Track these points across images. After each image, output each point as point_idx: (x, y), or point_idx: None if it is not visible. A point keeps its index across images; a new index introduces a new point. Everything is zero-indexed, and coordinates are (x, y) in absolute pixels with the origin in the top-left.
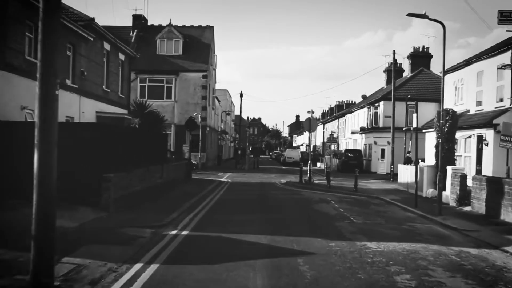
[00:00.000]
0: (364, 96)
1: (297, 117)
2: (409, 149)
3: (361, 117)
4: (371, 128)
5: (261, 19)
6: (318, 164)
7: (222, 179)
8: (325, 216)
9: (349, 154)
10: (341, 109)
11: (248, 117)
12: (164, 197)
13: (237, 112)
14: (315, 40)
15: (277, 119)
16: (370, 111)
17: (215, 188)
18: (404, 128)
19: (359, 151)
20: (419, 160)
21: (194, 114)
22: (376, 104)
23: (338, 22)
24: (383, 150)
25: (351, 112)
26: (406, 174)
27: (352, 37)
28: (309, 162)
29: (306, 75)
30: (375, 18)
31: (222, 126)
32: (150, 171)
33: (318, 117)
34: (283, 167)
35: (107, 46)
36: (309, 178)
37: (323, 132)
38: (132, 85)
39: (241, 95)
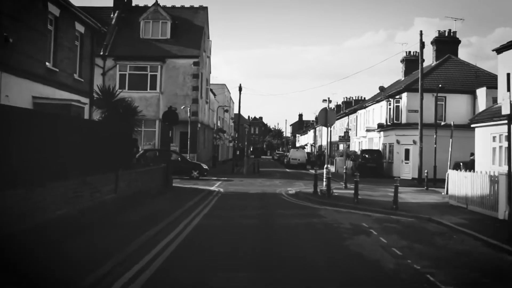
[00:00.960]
0: (381, 88)
1: (300, 116)
2: (471, 151)
3: (377, 113)
4: (392, 125)
5: (261, 18)
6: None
7: (213, 188)
8: (380, 274)
9: (366, 156)
10: (349, 106)
11: (249, 117)
12: (102, 228)
13: (236, 110)
14: (315, 40)
15: (279, 119)
16: (390, 105)
17: (198, 203)
18: (442, 123)
19: (378, 151)
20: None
21: (182, 107)
22: (398, 97)
23: (339, 22)
24: (407, 151)
25: (364, 107)
26: (464, 184)
27: (353, 37)
28: (326, 166)
29: (306, 75)
30: (376, 18)
31: (219, 124)
32: (89, 184)
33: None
34: (287, 170)
35: (54, 9)
36: (327, 189)
37: (330, 131)
38: (111, 73)
39: (240, 88)
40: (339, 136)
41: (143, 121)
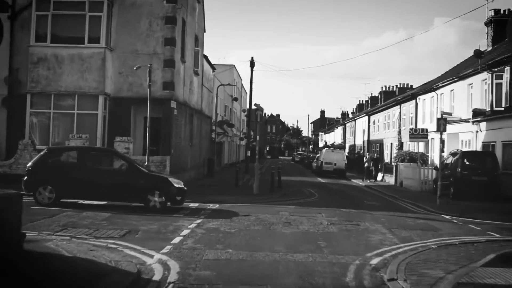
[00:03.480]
0: (478, 53)
1: (322, 112)
2: None
3: (461, 95)
4: (507, 110)
5: (276, 18)
6: (379, 177)
7: (152, 262)
8: None
9: (469, 162)
10: (391, 97)
11: (265, 114)
12: None
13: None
14: (333, 39)
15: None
16: (499, 79)
17: None
18: None
19: (491, 155)
20: None
21: (137, 67)
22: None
23: (357, 21)
24: None
25: (433, 90)
26: None
27: (372, 35)
28: None
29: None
30: (396, 17)
31: (224, 114)
32: None
33: (352, 111)
34: (322, 181)
35: None
36: None
37: (368, 126)
38: (25, 16)
39: (252, 64)
40: (419, 131)
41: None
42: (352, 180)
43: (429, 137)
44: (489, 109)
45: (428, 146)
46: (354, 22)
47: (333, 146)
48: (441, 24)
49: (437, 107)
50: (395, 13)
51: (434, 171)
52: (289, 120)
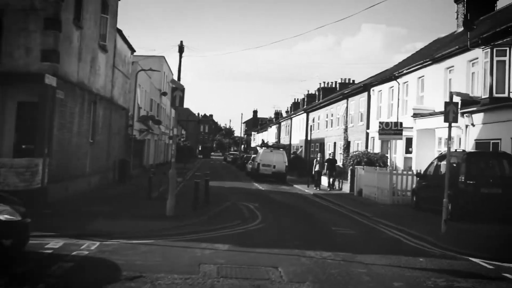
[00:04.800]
0: (468, 24)
1: (255, 112)
2: None
3: (432, 83)
4: None
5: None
6: (323, 182)
7: None
8: None
9: (476, 168)
10: (330, 93)
11: (198, 114)
12: None
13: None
14: (265, 44)
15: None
16: (489, 58)
17: None
18: None
19: (508, 157)
20: None
21: None
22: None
23: (289, 26)
24: None
25: (394, 79)
26: None
27: (303, 41)
28: None
29: (258, 76)
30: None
31: (148, 108)
32: None
33: (286, 110)
34: (260, 188)
35: None
36: None
37: (307, 124)
38: None
39: (181, 48)
40: (382, 125)
41: None
42: (295, 185)
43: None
44: (486, 96)
45: (387, 146)
46: (286, 27)
47: (272, 145)
48: (368, 29)
49: (398, 99)
50: (325, 18)
51: (410, 179)
52: (222, 120)
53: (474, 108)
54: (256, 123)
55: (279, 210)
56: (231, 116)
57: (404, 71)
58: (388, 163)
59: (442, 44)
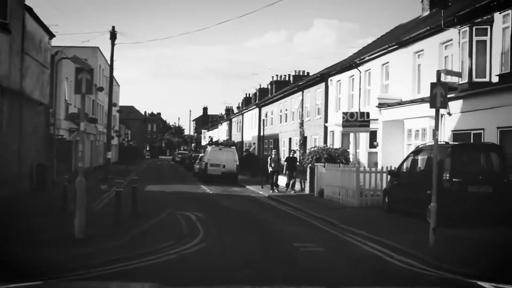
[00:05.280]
0: (443, 1)
1: (205, 109)
2: None
3: (399, 70)
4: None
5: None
6: (280, 182)
7: None
8: None
9: (461, 163)
10: (283, 86)
11: (145, 112)
12: None
13: (122, 100)
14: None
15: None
16: (468, 38)
17: None
18: None
19: (497, 149)
20: None
21: None
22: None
23: (241, 22)
24: None
25: (354, 67)
26: None
27: (255, 36)
28: None
29: (208, 73)
30: (277, 19)
31: (80, 105)
32: None
33: (237, 105)
34: (209, 192)
35: None
36: None
37: (259, 119)
38: None
39: (113, 35)
40: (346, 115)
41: None
42: (247, 186)
43: (335, 129)
44: (464, 81)
45: (348, 140)
46: (236, 23)
47: (221, 143)
48: (320, 25)
49: (360, 89)
50: (276, 13)
51: (379, 177)
52: (171, 118)
53: (452, 95)
54: (206, 121)
55: (227, 221)
56: (180, 114)
57: (367, 58)
58: (351, 159)
59: (406, 29)
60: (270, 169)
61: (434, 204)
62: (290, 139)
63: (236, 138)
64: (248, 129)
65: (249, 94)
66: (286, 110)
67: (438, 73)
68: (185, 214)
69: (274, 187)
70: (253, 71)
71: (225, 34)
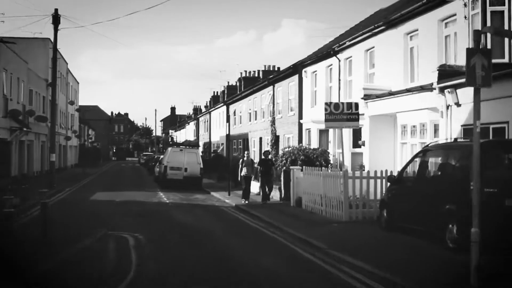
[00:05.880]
0: None
1: (173, 109)
2: None
3: (387, 56)
4: None
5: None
6: (253, 189)
7: None
8: None
9: (491, 167)
10: (253, 83)
11: (112, 112)
12: None
13: (81, 100)
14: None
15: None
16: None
17: None
18: None
19: None
20: None
21: None
22: None
23: (209, 21)
24: None
25: (333, 55)
26: None
27: (224, 36)
28: None
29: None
30: (247, 18)
31: (26, 102)
32: None
33: (205, 104)
34: (166, 201)
35: None
36: None
37: (227, 118)
38: None
39: (56, 18)
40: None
41: None
42: (213, 193)
43: (310, 127)
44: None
45: (327, 139)
46: (204, 23)
47: (182, 143)
48: (288, 24)
49: (339, 80)
50: (245, 13)
51: (373, 184)
52: (139, 119)
53: (461, 80)
54: (174, 121)
55: (175, 248)
56: (148, 114)
57: (347, 43)
58: (332, 161)
59: (389, 13)
60: (242, 174)
61: (476, 229)
62: (260, 138)
63: (203, 138)
64: (216, 129)
65: (217, 92)
66: (255, 107)
67: (477, 34)
68: (123, 235)
69: (246, 198)
70: (222, 69)
71: (194, 33)
